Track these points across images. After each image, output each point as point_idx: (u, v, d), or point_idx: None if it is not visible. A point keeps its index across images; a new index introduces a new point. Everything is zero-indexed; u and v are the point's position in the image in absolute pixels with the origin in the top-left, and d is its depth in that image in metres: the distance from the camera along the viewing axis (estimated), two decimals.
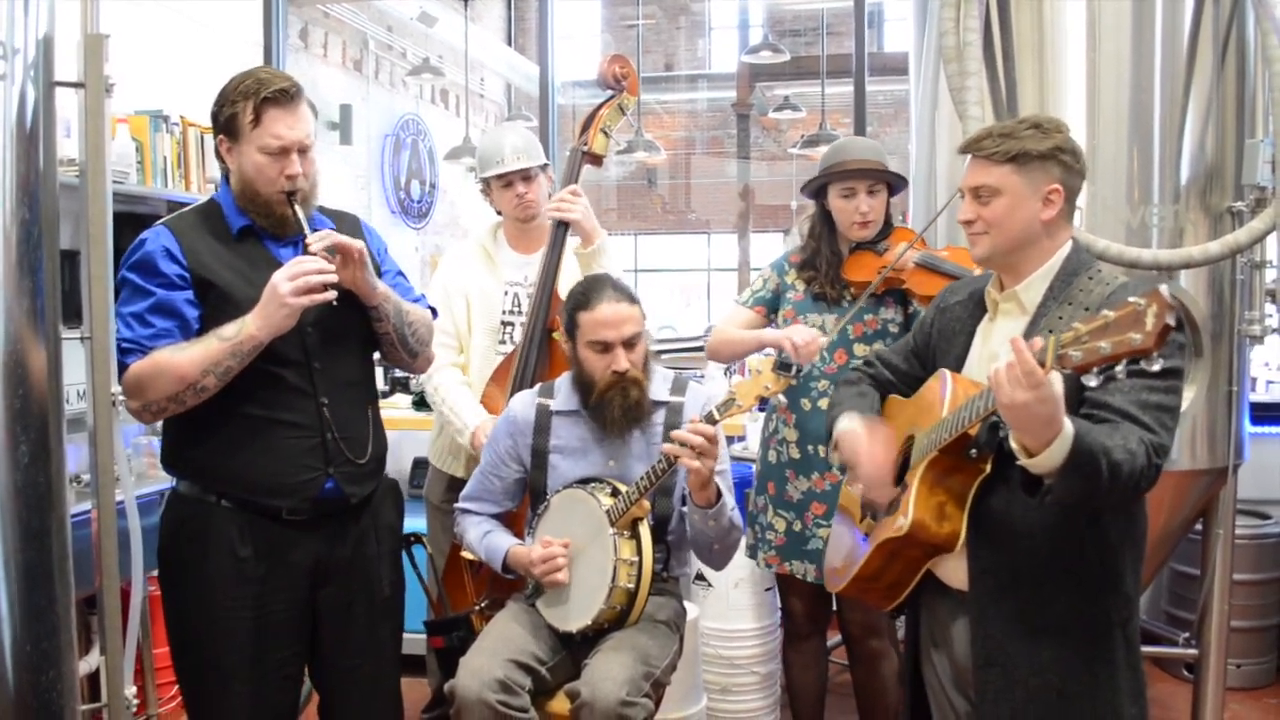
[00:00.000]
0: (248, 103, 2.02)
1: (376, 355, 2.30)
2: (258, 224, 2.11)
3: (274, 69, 2.11)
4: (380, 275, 2.20)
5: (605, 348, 2.36)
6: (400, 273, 2.33)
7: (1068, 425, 1.57)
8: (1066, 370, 1.47)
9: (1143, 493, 1.70)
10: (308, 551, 2.14)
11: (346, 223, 2.24)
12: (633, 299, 2.40)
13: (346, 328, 2.15)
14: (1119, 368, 1.40)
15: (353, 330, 2.16)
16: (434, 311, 2.36)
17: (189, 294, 2.04)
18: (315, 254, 2.01)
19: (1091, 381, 1.44)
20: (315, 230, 2.08)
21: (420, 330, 2.24)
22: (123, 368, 1.99)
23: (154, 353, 1.99)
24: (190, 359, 1.97)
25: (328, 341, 2.12)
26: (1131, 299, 1.38)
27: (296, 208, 2.06)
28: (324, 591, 2.18)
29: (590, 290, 2.41)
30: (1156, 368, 1.39)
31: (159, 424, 2.17)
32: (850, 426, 2.00)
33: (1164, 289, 1.36)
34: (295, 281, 1.96)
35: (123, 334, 2.01)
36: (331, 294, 1.99)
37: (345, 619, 2.20)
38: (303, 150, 2.06)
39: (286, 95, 2.03)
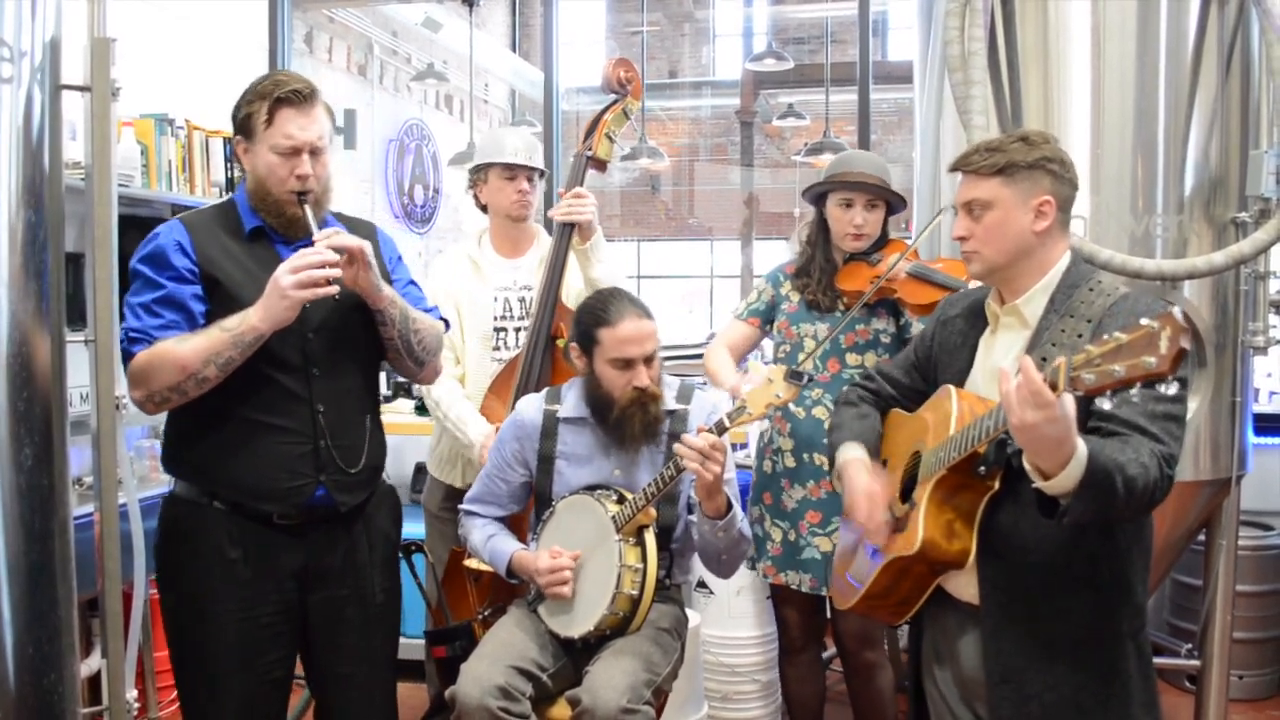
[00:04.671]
0: (263, 103, 2.04)
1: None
2: (269, 225, 2.12)
3: (292, 72, 2.12)
4: (391, 283, 2.20)
5: (628, 364, 2.35)
6: (413, 282, 2.32)
7: (1081, 445, 1.55)
8: (1079, 393, 1.45)
9: (1157, 504, 1.68)
10: (296, 556, 2.12)
11: (362, 229, 2.24)
12: (649, 314, 2.40)
13: (352, 335, 2.14)
14: (1133, 390, 1.38)
15: (358, 338, 2.15)
16: (446, 323, 2.36)
17: (197, 289, 2.05)
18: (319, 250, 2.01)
19: (1105, 404, 1.43)
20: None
21: (428, 339, 2.22)
22: (128, 356, 2.01)
23: (158, 343, 1.99)
24: (193, 349, 1.97)
25: (331, 348, 2.12)
26: (1145, 321, 1.36)
27: (307, 209, 2.06)
28: (314, 597, 2.16)
29: (610, 306, 2.38)
30: (1173, 391, 1.37)
31: (162, 427, 2.17)
32: (855, 456, 2.00)
33: (1177, 311, 1.34)
34: (298, 275, 1.96)
35: (130, 324, 2.02)
36: (333, 288, 1.99)
37: (337, 625, 2.18)
38: (314, 152, 2.07)
39: (300, 96, 2.05)
